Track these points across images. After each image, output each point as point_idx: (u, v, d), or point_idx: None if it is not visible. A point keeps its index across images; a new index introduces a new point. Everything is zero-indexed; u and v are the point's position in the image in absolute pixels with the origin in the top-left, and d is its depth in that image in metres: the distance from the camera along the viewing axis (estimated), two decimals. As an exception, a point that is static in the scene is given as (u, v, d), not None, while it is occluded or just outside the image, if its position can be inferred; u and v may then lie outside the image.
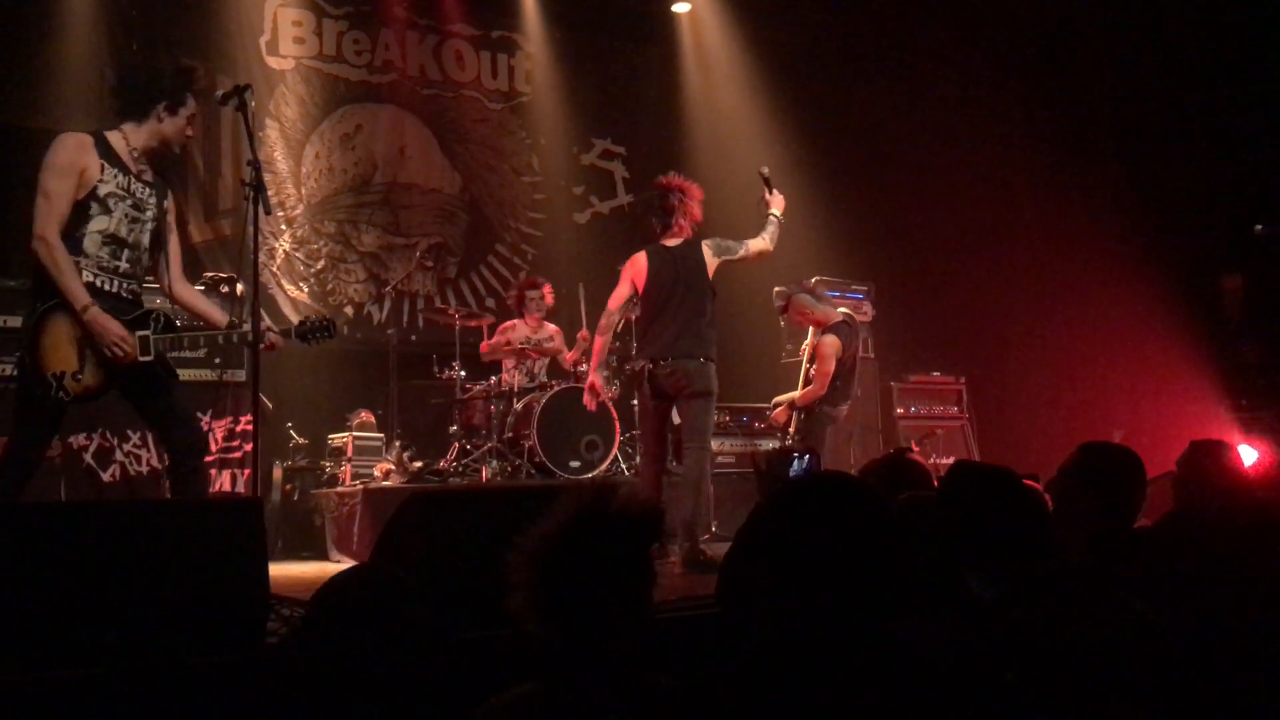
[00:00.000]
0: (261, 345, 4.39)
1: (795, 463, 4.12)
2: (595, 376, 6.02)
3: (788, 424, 6.82)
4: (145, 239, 4.29)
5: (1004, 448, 7.82)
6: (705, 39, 10.16)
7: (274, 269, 8.67)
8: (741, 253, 5.82)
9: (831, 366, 6.61)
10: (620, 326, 8.11)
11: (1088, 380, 8.45)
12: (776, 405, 6.96)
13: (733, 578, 2.98)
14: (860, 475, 3.38)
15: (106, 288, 4.15)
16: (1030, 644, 1.98)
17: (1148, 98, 8.34)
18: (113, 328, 4.04)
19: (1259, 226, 6.18)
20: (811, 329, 6.90)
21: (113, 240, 4.16)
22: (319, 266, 8.90)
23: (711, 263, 5.76)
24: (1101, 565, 2.77)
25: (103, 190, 4.11)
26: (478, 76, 9.76)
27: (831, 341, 6.66)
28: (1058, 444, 8.43)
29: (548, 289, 8.21)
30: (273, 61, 8.87)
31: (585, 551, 1.84)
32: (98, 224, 4.11)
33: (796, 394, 6.79)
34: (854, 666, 1.70)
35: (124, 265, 4.22)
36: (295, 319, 8.65)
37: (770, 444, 8.30)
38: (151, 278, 4.51)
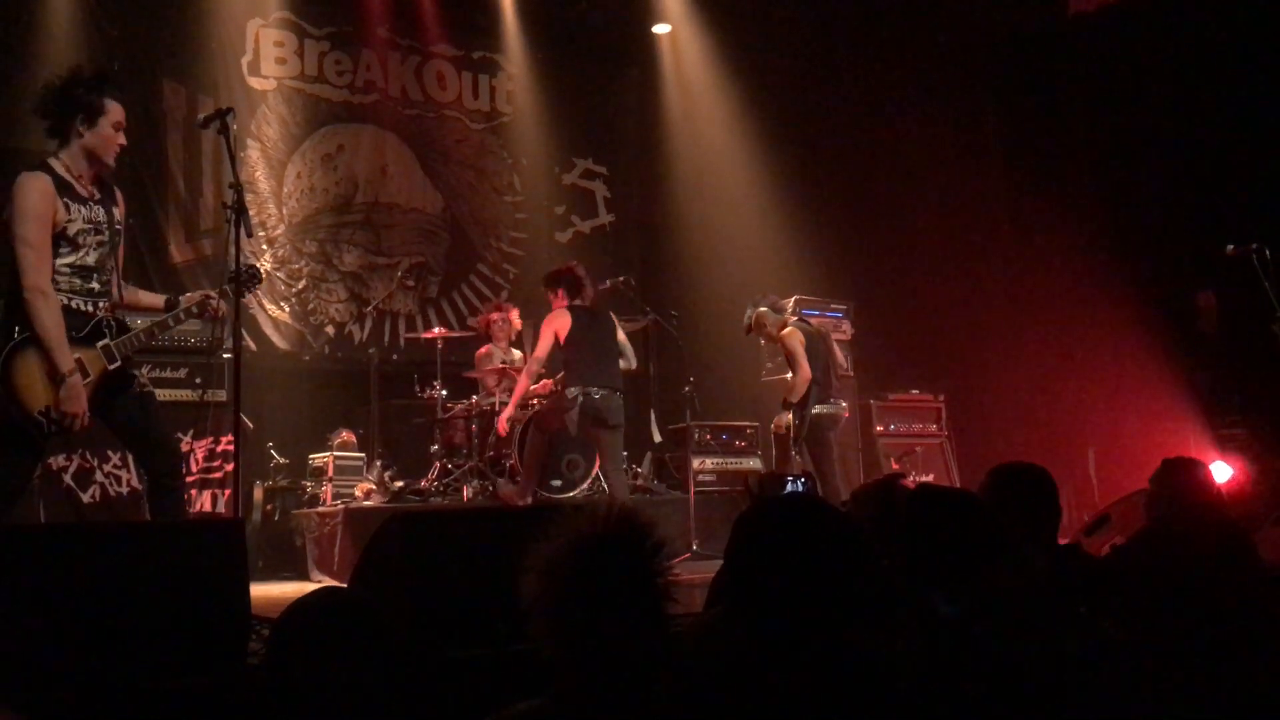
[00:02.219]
0: (207, 313, 4.48)
1: (790, 485, 4.14)
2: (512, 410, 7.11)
3: (790, 431, 6.86)
4: (110, 259, 4.24)
5: (983, 464, 7.81)
6: (685, 60, 10.24)
7: (255, 289, 8.65)
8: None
9: (801, 353, 6.74)
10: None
11: (1065, 397, 8.51)
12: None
13: (719, 596, 3.01)
14: (851, 498, 3.42)
15: (81, 307, 4.11)
16: (990, 660, 2.02)
17: (1122, 118, 8.43)
18: (81, 404, 3.99)
19: (1230, 247, 6.25)
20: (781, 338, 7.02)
21: (83, 270, 4.13)
22: (300, 286, 8.90)
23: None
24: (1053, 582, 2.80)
25: (71, 230, 4.06)
26: (459, 97, 9.80)
27: (792, 332, 6.87)
28: (1036, 460, 8.49)
29: (514, 313, 8.28)
30: (254, 82, 8.88)
31: (595, 571, 1.86)
32: (67, 259, 4.06)
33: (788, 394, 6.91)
34: (814, 681, 1.73)
35: (96, 287, 4.19)
36: (277, 338, 8.71)
37: (754, 463, 8.35)
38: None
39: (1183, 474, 3.68)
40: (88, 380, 4.04)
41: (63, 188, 4.05)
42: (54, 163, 4.10)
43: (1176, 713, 2.13)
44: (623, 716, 1.79)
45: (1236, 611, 2.68)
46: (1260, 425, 6.86)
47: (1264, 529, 5.12)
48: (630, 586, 1.87)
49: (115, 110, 4.14)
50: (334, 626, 1.90)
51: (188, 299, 4.53)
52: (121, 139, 4.19)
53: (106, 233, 4.18)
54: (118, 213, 4.29)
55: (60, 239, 4.03)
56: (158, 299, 4.55)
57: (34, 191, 3.98)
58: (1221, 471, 6.05)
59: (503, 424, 7.16)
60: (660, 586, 1.91)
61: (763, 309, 7.10)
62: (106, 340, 4.16)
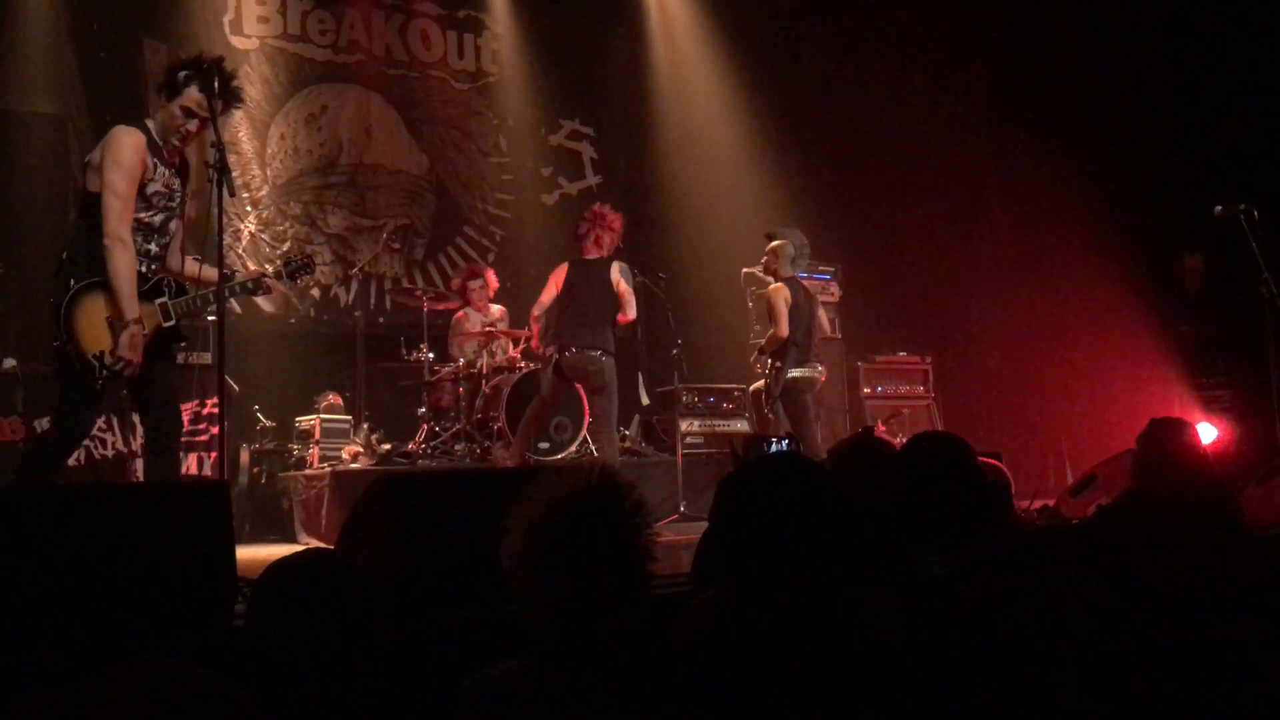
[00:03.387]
0: (260, 292, 4.77)
1: (774, 447, 4.14)
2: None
3: (765, 393, 6.91)
4: (172, 224, 4.43)
5: (969, 426, 7.87)
6: (673, 19, 10.15)
7: (239, 251, 8.60)
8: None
9: (784, 311, 6.76)
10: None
11: (1051, 359, 8.53)
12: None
13: (704, 557, 3.01)
14: (830, 456, 3.41)
15: (138, 269, 4.23)
16: (978, 620, 2.02)
17: (1110, 81, 8.40)
18: (138, 352, 4.14)
19: (1218, 209, 6.24)
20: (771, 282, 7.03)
21: (147, 228, 4.29)
22: (285, 248, 8.83)
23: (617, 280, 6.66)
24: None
25: (150, 189, 4.24)
26: (444, 56, 9.70)
27: (779, 289, 6.91)
28: (1021, 423, 8.57)
29: (490, 274, 8.28)
30: (237, 41, 8.78)
31: (575, 532, 1.86)
32: (138, 215, 4.22)
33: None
34: (805, 639, 1.73)
35: (154, 249, 4.35)
36: (262, 301, 8.64)
37: (742, 425, 8.35)
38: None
39: (1169, 434, 3.69)
40: (145, 333, 4.18)
41: (153, 147, 4.26)
42: (150, 123, 4.32)
43: (1163, 671, 2.14)
44: (604, 676, 1.79)
45: (1222, 570, 2.70)
46: (1245, 386, 6.89)
47: (1248, 488, 5.15)
48: (610, 547, 1.87)
49: (192, 97, 4.25)
50: (312, 585, 1.90)
51: (244, 274, 4.82)
52: (191, 126, 4.30)
53: (176, 200, 4.40)
54: (189, 189, 4.49)
55: (138, 196, 4.20)
56: (213, 273, 4.57)
57: (128, 145, 4.16)
58: (1207, 432, 6.08)
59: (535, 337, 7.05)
60: (640, 546, 1.91)
61: (781, 242, 7.10)
62: (165, 299, 4.32)
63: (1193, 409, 6.87)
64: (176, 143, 4.34)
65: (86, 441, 6.14)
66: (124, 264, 4.11)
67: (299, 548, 6.58)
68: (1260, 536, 3.98)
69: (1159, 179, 7.98)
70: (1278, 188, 6.78)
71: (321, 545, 6.35)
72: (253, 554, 5.82)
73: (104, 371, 4.08)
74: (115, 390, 4.67)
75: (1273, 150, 7.30)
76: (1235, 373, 7.16)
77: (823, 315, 7.46)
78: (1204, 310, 7.61)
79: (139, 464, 6.25)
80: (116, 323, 4.11)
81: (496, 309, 8.24)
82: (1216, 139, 7.60)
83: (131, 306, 4.11)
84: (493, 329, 7.92)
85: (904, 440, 3.16)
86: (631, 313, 6.74)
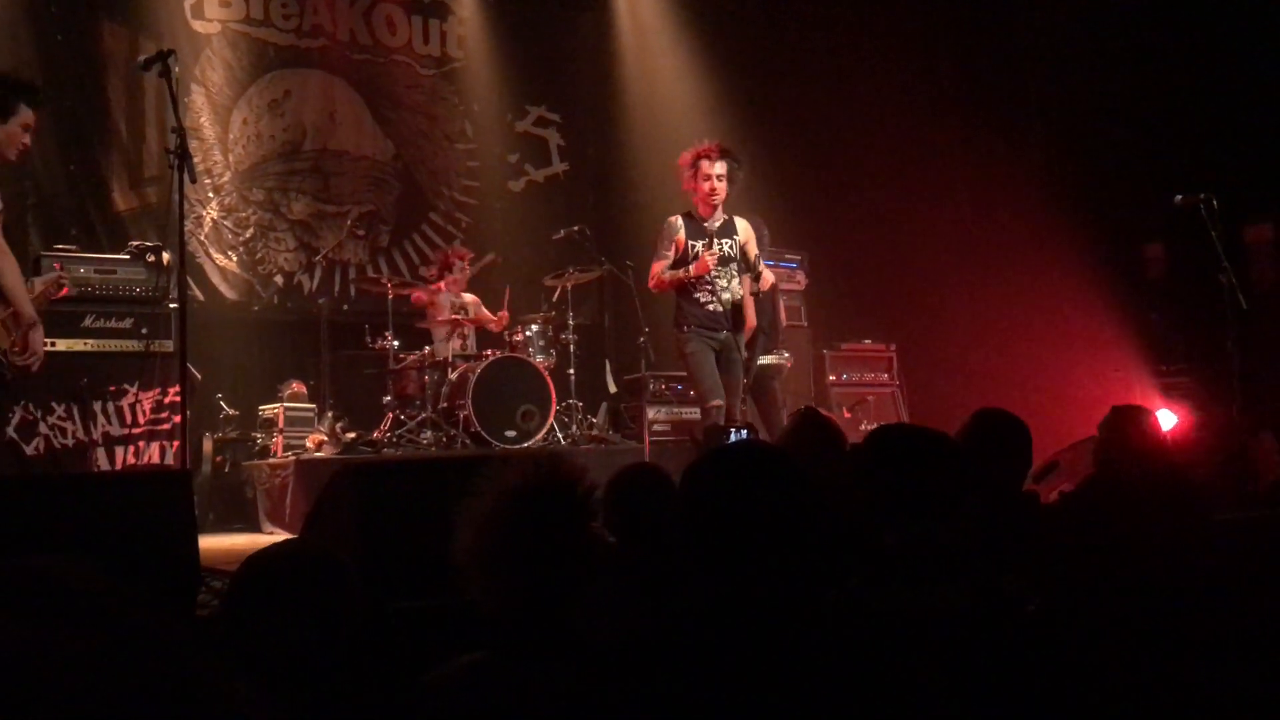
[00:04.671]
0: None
1: (734, 436, 4.16)
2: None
3: None
4: None
5: (933, 414, 7.93)
6: (640, 5, 10.12)
7: (202, 237, 8.51)
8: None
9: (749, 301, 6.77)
10: (556, 296, 8.15)
11: (1015, 346, 8.59)
12: None
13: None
14: (778, 440, 3.43)
15: None
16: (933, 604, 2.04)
17: (1073, 69, 8.46)
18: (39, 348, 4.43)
19: (1178, 198, 6.32)
20: None
21: None
22: (248, 235, 8.75)
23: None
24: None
25: None
26: (409, 41, 9.62)
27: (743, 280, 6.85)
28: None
29: (470, 259, 8.23)
30: (198, 25, 8.67)
31: (530, 523, 1.85)
32: None
33: None
34: (779, 631, 1.74)
35: None
36: (225, 288, 8.58)
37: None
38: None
39: (1131, 421, 3.73)
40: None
41: None
42: None
43: (1123, 655, 2.17)
44: (566, 668, 1.79)
45: (1181, 556, 2.73)
46: (1205, 374, 6.98)
47: (1208, 474, 5.22)
48: (561, 535, 1.86)
49: (26, 114, 4.42)
50: (295, 578, 1.87)
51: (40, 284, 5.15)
52: (27, 139, 4.47)
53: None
54: None
55: None
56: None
57: None
58: (1167, 419, 6.16)
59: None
60: (593, 532, 1.91)
61: None
62: None
63: (1153, 396, 6.95)
64: (14, 157, 4.51)
65: (46, 430, 6.08)
66: (9, 270, 4.32)
67: (263, 537, 6.55)
68: (1218, 522, 4.04)
69: (1122, 168, 8.05)
70: (1237, 177, 6.87)
71: (287, 535, 6.31)
72: (216, 544, 5.79)
73: (5, 371, 4.33)
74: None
75: (1233, 140, 7.39)
76: (1195, 360, 7.25)
77: (781, 305, 7.49)
78: (1165, 298, 7.70)
79: (100, 453, 6.19)
80: (10, 322, 4.33)
81: (469, 296, 8.20)
82: (1179, 128, 7.68)
83: (27, 307, 4.33)
84: (459, 317, 7.87)
85: (868, 428, 3.19)
86: None
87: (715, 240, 5.93)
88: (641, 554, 2.53)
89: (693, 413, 8.26)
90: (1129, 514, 3.04)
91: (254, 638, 1.81)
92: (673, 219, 6.11)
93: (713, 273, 5.90)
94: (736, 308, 5.98)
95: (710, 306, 5.92)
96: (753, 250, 6.14)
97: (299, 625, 1.82)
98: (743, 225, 6.13)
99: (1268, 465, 5.54)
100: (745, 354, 6.05)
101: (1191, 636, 2.31)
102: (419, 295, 7.91)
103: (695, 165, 5.98)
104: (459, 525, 1.88)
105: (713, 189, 5.95)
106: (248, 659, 1.79)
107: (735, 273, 6.00)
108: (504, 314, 7.95)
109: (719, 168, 5.96)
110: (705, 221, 6.00)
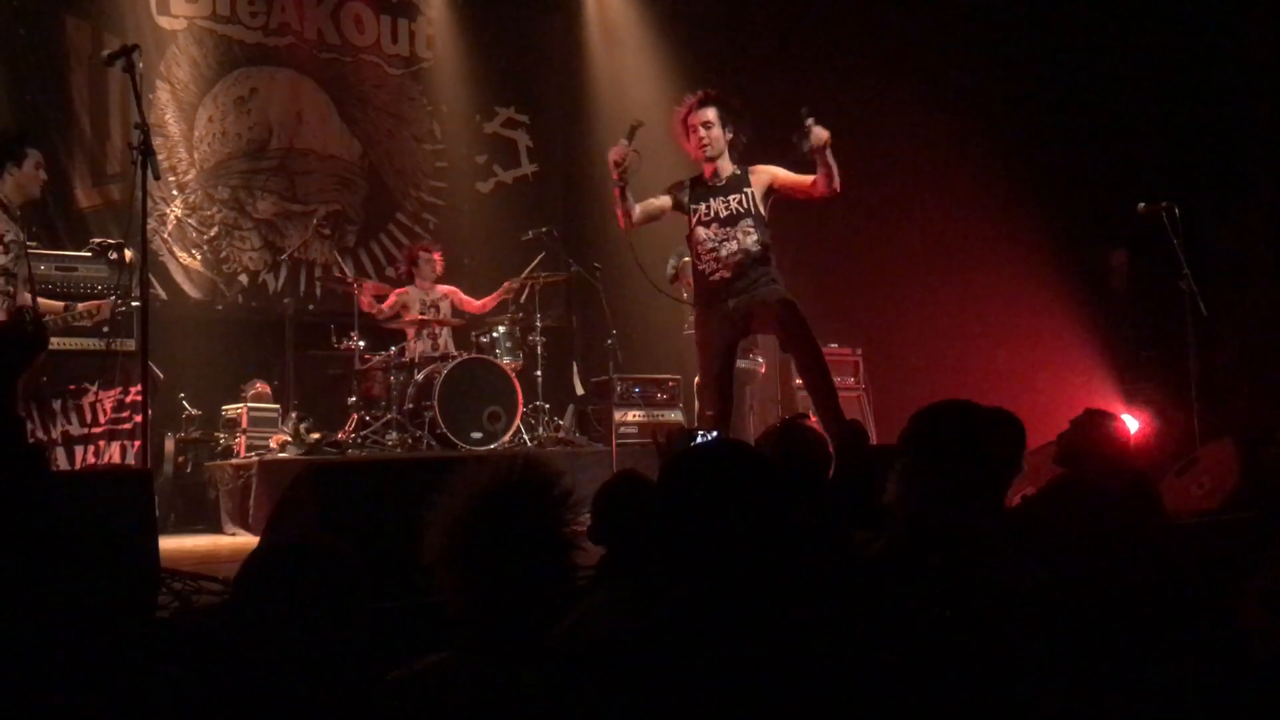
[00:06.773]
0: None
1: (699, 438, 4.16)
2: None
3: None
4: (16, 267, 4.90)
5: (898, 418, 7.96)
6: (609, 7, 10.12)
7: (165, 235, 8.43)
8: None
9: None
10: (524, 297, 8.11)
11: (979, 351, 8.66)
12: None
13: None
14: (756, 444, 3.44)
15: None
16: (914, 601, 2.04)
17: (1039, 76, 8.53)
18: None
19: (1142, 205, 6.39)
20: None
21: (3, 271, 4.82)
22: (212, 233, 8.67)
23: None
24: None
25: (7, 238, 4.83)
26: (377, 41, 9.57)
27: None
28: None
29: (438, 254, 8.16)
30: (164, 21, 8.58)
31: (498, 524, 1.84)
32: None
33: None
34: (752, 629, 1.74)
35: (8, 287, 4.84)
36: (188, 287, 8.50)
37: (676, 415, 8.37)
38: None
39: (1094, 426, 3.77)
40: None
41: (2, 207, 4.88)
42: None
43: (1082, 656, 2.19)
44: (531, 669, 1.78)
45: (1142, 558, 2.76)
46: (1167, 379, 7.05)
47: (1168, 480, 5.28)
48: (535, 538, 1.85)
49: (35, 155, 4.99)
50: (304, 574, 1.83)
51: (83, 307, 5.75)
52: (43, 176, 5.06)
53: (18, 248, 4.94)
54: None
55: None
56: (57, 305, 5.69)
57: None
58: (1129, 424, 6.22)
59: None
60: (567, 536, 1.90)
61: (687, 259, 7.08)
62: None
63: (1116, 401, 7.02)
64: (38, 194, 5.10)
65: (4, 429, 6.00)
66: None
67: (225, 538, 6.50)
68: (1179, 526, 4.09)
69: (1087, 175, 8.13)
70: (1199, 185, 6.95)
71: (250, 536, 6.27)
72: (178, 544, 5.73)
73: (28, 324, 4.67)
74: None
75: (1196, 148, 7.48)
76: (1158, 366, 7.33)
77: None
78: (1128, 305, 7.78)
79: (59, 452, 6.12)
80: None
81: (442, 287, 8.14)
82: (1143, 136, 7.77)
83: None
84: (426, 316, 7.83)
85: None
86: None
87: (718, 198, 5.43)
88: (631, 562, 2.53)
89: (660, 415, 8.28)
90: (1092, 517, 3.07)
91: (260, 632, 1.78)
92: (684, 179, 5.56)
93: (713, 238, 5.42)
94: (752, 259, 5.42)
95: (714, 277, 5.39)
96: (779, 173, 5.58)
97: (309, 620, 1.78)
98: (759, 169, 5.55)
99: (1227, 471, 5.60)
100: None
101: (1149, 636, 2.33)
102: (367, 302, 7.82)
103: (685, 122, 5.45)
104: (430, 525, 1.87)
105: (700, 140, 5.37)
106: (250, 654, 1.76)
107: (751, 227, 5.45)
108: (488, 299, 7.93)
109: (706, 114, 5.39)
110: (709, 181, 5.48)
